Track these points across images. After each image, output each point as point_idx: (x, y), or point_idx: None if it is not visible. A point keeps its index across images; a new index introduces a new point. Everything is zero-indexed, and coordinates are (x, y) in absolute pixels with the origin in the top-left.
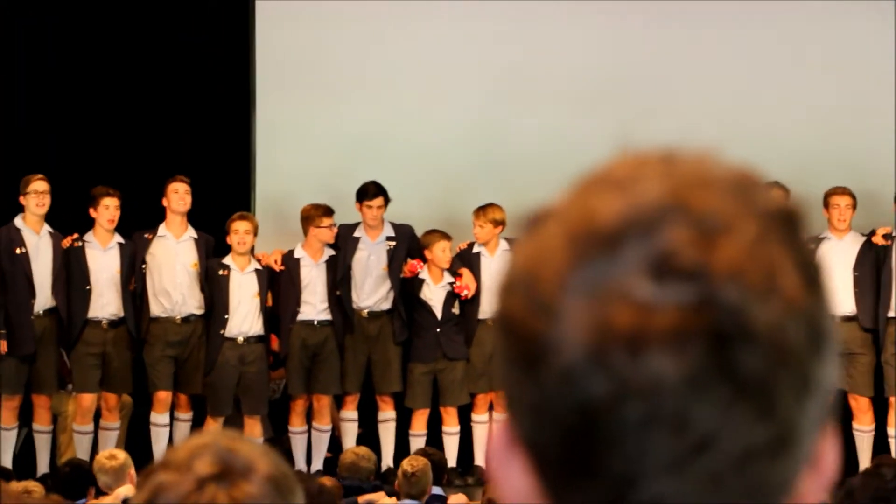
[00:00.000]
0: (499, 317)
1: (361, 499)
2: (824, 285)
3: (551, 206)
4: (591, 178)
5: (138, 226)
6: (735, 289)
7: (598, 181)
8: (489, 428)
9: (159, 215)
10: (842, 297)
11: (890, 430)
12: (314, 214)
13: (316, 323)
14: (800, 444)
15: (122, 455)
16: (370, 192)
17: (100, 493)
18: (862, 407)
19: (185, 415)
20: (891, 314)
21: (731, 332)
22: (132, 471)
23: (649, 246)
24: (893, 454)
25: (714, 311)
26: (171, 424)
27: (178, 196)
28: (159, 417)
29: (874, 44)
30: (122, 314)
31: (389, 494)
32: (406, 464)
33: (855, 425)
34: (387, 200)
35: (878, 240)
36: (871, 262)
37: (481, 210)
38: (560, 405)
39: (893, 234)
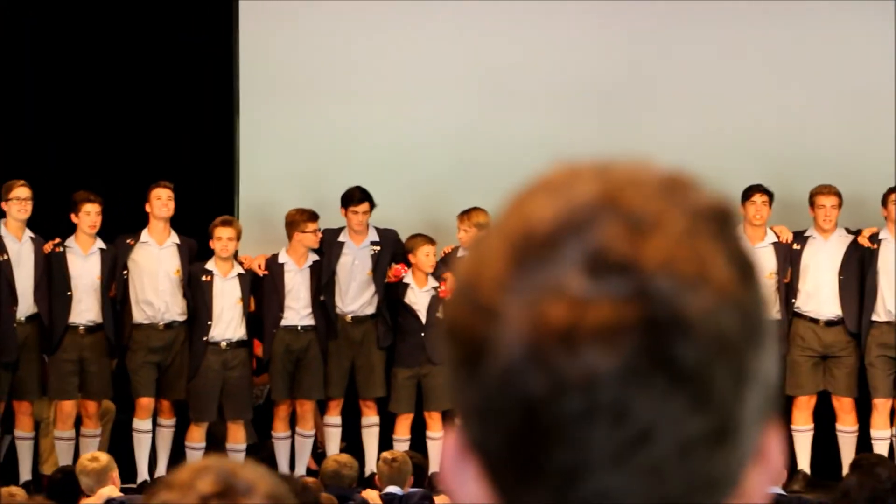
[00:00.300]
0: (445, 326)
1: None
2: (758, 279)
3: (493, 219)
4: (528, 188)
5: (121, 231)
6: (666, 279)
7: (533, 189)
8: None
9: (142, 220)
10: (826, 299)
11: (873, 433)
12: (298, 219)
13: (300, 328)
14: (741, 437)
15: (104, 457)
16: (355, 197)
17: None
18: (845, 408)
19: (168, 421)
20: (875, 318)
21: (665, 322)
22: (115, 473)
23: (583, 244)
24: None
25: (647, 303)
26: (153, 431)
27: (161, 202)
28: (142, 424)
29: (865, 44)
30: (100, 320)
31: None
32: (386, 453)
33: (838, 426)
34: (372, 206)
35: (863, 241)
36: (856, 264)
37: (465, 214)
38: (502, 405)
39: (880, 237)
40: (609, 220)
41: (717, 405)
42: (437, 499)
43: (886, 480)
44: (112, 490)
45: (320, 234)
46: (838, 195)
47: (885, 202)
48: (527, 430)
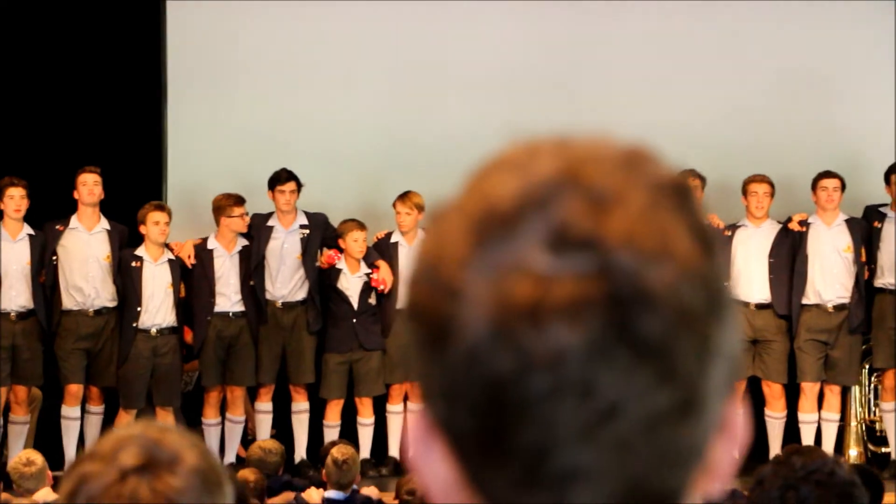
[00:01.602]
0: (408, 307)
1: (284, 496)
2: (718, 252)
3: (451, 197)
4: (487, 164)
5: (52, 218)
6: (629, 254)
7: (493, 166)
8: (404, 419)
9: (72, 206)
10: (757, 285)
11: (801, 416)
12: (225, 204)
13: (231, 314)
14: (706, 409)
15: (39, 459)
16: (282, 177)
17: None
18: (775, 394)
19: (97, 407)
20: (805, 301)
21: (628, 296)
22: (49, 472)
23: (545, 220)
24: (804, 441)
25: (610, 278)
26: (82, 417)
27: (88, 188)
28: (70, 411)
29: (796, 30)
30: (31, 306)
31: (317, 485)
32: (336, 451)
33: (767, 412)
34: (299, 186)
35: (794, 226)
36: (787, 249)
37: (403, 197)
38: (468, 384)
39: (809, 221)
40: (570, 196)
41: (683, 378)
42: (361, 490)
43: (800, 469)
44: (47, 493)
45: (248, 219)
46: (770, 184)
47: (814, 188)
48: (493, 409)
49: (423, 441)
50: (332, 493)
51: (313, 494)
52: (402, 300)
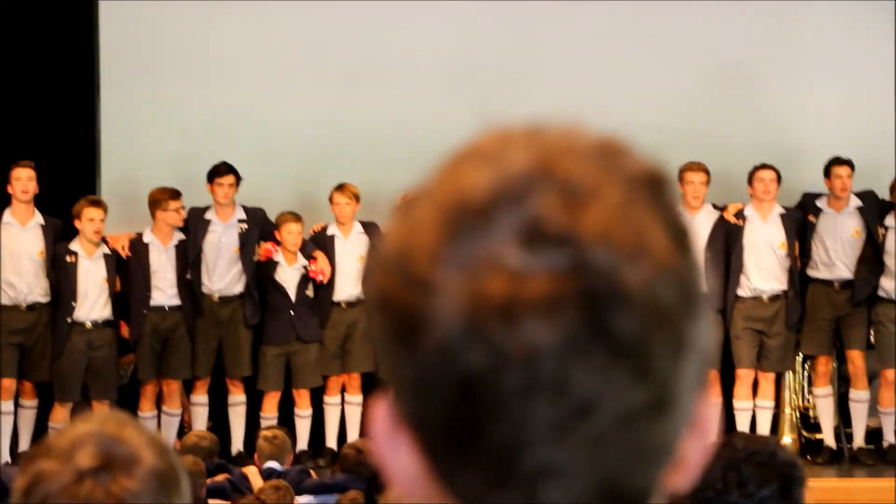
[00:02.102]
0: (375, 296)
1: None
2: (693, 247)
3: (421, 185)
4: (459, 154)
5: None
6: (604, 251)
7: (465, 156)
8: (340, 411)
9: (5, 201)
10: None
11: (736, 403)
12: (161, 198)
13: (166, 308)
14: (679, 406)
15: None
16: (220, 170)
17: None
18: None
19: (30, 402)
20: (741, 293)
21: (603, 294)
22: None
23: (519, 215)
24: (740, 427)
25: (585, 275)
26: (15, 412)
27: (21, 183)
28: (4, 405)
29: (729, 22)
30: None
31: None
32: (265, 430)
33: None
34: (238, 179)
35: (729, 217)
36: (721, 240)
37: (342, 187)
38: (440, 379)
39: (746, 214)
40: (545, 190)
41: (657, 376)
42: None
43: (741, 450)
44: None
45: (184, 213)
46: (706, 172)
47: (750, 180)
48: (465, 405)
49: (388, 432)
50: (270, 464)
51: (250, 470)
52: (342, 291)
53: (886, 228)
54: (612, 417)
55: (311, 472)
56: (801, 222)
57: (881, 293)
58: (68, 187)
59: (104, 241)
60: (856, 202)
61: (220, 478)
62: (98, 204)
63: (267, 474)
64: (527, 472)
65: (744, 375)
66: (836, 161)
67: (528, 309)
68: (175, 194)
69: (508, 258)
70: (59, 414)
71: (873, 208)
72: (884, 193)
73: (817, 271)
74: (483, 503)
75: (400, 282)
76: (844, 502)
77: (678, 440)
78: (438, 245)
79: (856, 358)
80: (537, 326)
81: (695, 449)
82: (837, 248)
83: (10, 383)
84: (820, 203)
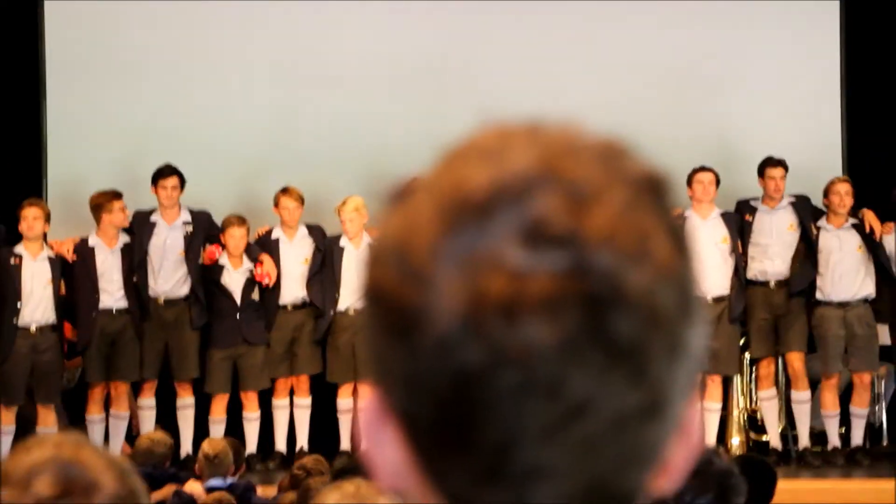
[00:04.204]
0: (368, 288)
1: (167, 489)
2: (692, 251)
3: (418, 178)
4: (458, 150)
5: None
6: (607, 254)
7: (465, 152)
8: (289, 413)
9: None
10: None
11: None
12: (104, 201)
13: (114, 311)
14: (670, 410)
15: None
16: (164, 172)
17: None
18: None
19: None
20: (718, 293)
21: (605, 297)
22: None
23: (520, 214)
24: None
25: (587, 277)
26: None
27: None
28: None
29: (669, 33)
30: None
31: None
32: (206, 446)
33: None
34: (182, 182)
35: None
36: None
37: (287, 191)
38: (435, 375)
39: (685, 215)
40: (548, 190)
41: (652, 380)
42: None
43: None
44: None
45: (126, 212)
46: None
47: (689, 182)
48: (458, 402)
49: (375, 423)
50: (212, 481)
51: (194, 486)
52: (287, 294)
53: (819, 228)
54: (605, 419)
55: (257, 487)
56: (739, 222)
57: (819, 295)
58: (14, 191)
59: (49, 245)
60: (790, 200)
61: (167, 490)
62: (34, 203)
63: (209, 490)
64: (517, 471)
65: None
66: (770, 162)
67: (527, 308)
68: (117, 195)
69: (509, 256)
70: (5, 417)
71: (807, 208)
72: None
73: (754, 272)
74: (472, 501)
75: (396, 274)
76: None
77: (666, 444)
78: (437, 239)
79: (795, 360)
80: (536, 326)
81: (680, 452)
82: (773, 242)
83: None
84: (754, 203)
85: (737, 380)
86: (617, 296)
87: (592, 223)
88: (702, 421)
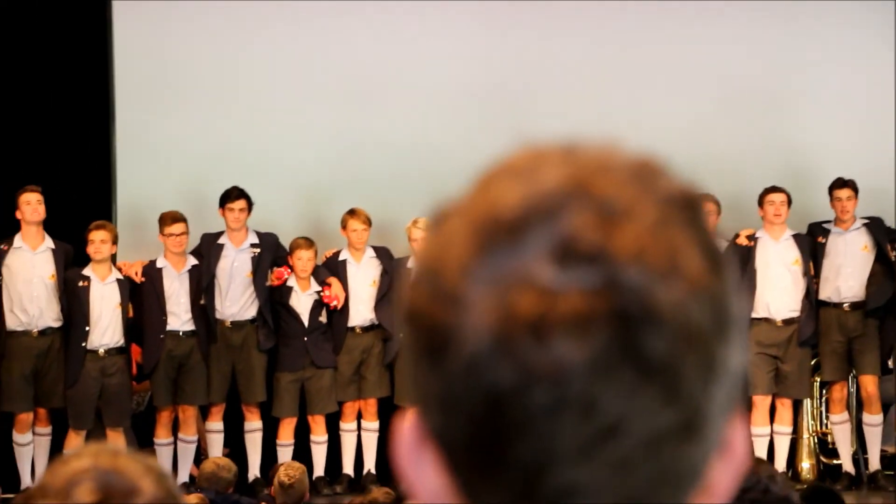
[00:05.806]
0: (406, 311)
1: None
2: (727, 268)
3: (454, 201)
4: (492, 171)
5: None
6: (637, 271)
7: (498, 172)
8: (357, 437)
9: (17, 226)
10: None
11: (753, 430)
12: (161, 223)
13: (181, 333)
14: (708, 430)
15: None
16: (232, 194)
17: None
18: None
19: (44, 429)
20: (754, 315)
21: (635, 314)
22: None
23: (551, 232)
24: (757, 453)
25: (617, 294)
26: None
27: (31, 207)
28: (21, 437)
29: (738, 52)
30: None
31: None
32: (282, 474)
33: None
34: (250, 204)
35: (741, 241)
36: (735, 265)
37: (354, 212)
38: (467, 395)
39: (757, 236)
40: (579, 207)
41: (686, 398)
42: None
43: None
44: None
45: (184, 238)
46: (716, 202)
47: (761, 203)
48: (491, 422)
49: (414, 449)
50: None
51: None
52: (355, 316)
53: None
54: (639, 439)
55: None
56: (811, 244)
57: None
58: (83, 214)
59: (117, 267)
60: (863, 221)
61: None
62: (102, 226)
63: None
64: (552, 492)
65: (759, 401)
66: (837, 183)
67: (558, 326)
68: (176, 219)
69: (540, 275)
70: (74, 441)
71: (882, 229)
72: (891, 220)
73: (827, 293)
74: None
75: (429, 296)
76: None
77: (707, 464)
78: (469, 260)
79: (868, 384)
80: (567, 344)
81: (724, 473)
82: (846, 263)
83: (26, 417)
84: (827, 225)
85: (807, 403)
86: (647, 313)
87: (621, 240)
88: (748, 441)
